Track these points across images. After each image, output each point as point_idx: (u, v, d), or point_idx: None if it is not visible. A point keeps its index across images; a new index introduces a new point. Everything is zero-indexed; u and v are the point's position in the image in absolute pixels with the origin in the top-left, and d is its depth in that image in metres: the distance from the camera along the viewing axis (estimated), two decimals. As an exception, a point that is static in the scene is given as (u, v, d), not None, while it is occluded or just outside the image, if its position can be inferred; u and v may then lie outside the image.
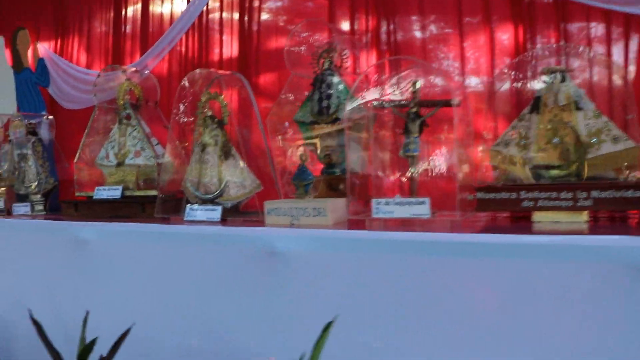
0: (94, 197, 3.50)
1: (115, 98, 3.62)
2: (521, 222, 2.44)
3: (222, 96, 2.97)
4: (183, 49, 4.10)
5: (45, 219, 3.72)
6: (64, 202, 3.76)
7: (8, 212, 4.09)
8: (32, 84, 4.88)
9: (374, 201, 2.36)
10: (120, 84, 3.59)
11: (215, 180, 2.94)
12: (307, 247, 2.06)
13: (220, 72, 3.52)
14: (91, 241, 2.77)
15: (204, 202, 2.95)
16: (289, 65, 2.97)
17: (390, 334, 1.88)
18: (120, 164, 3.57)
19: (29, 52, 4.99)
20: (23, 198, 4.06)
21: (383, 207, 2.35)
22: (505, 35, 3.03)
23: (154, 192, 3.37)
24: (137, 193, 3.42)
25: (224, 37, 3.89)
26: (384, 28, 3.29)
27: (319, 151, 3.02)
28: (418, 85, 2.46)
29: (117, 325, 2.49)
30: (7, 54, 5.11)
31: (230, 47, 3.87)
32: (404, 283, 1.91)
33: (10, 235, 3.28)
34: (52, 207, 4.03)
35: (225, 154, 2.96)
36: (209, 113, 2.99)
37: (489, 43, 3.04)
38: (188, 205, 2.94)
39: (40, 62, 4.83)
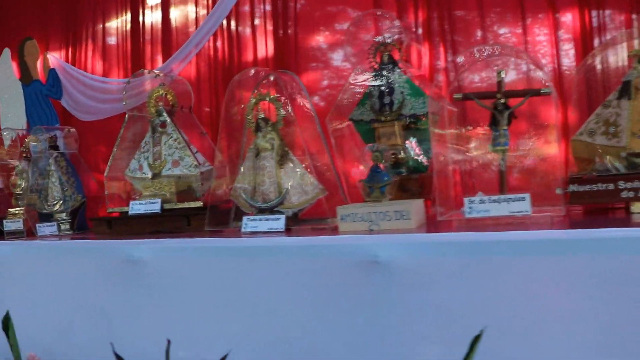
0: (130, 213, 3.28)
1: (146, 105, 3.41)
2: (617, 214, 2.33)
3: (276, 96, 2.79)
4: (211, 51, 3.90)
5: (73, 238, 3.50)
6: (94, 219, 3.53)
7: (29, 234, 3.85)
8: (42, 96, 4.64)
9: (466, 200, 2.20)
10: (152, 90, 3.38)
11: (273, 188, 2.76)
12: (414, 254, 1.88)
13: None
14: (147, 260, 2.55)
15: (260, 211, 2.76)
16: (348, 60, 2.80)
17: (526, 345, 1.71)
18: (156, 176, 3.35)
19: (38, 63, 4.75)
20: (46, 217, 3.82)
21: (477, 206, 2.19)
22: (570, 21, 2.90)
23: (197, 204, 3.16)
24: (179, 205, 3.19)
25: (257, 36, 3.70)
26: (435, 19, 3.14)
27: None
28: (503, 74, 2.31)
29: (191, 352, 2.30)
30: (14, 66, 4.87)
31: (265, 47, 3.68)
32: (532, 287, 1.75)
33: (45, 259, 3.04)
34: (78, 226, 3.79)
35: (283, 159, 2.78)
36: (262, 115, 2.81)
37: (553, 30, 2.90)
38: (245, 216, 2.74)
39: (51, 72, 4.59)
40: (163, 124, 3.34)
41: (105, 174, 3.48)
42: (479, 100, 2.35)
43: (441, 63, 3.13)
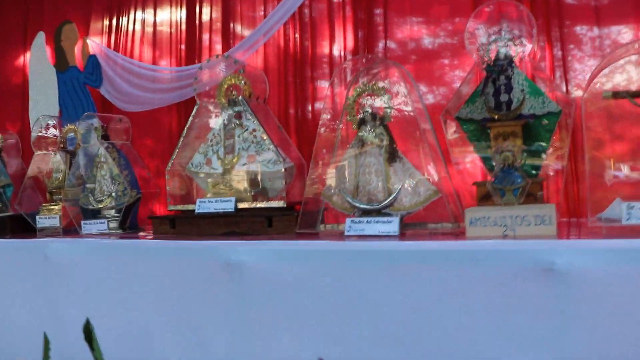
0: (197, 212, 3.07)
1: (216, 93, 3.22)
2: None
3: (384, 87, 2.63)
4: (281, 41, 3.71)
5: (122, 238, 3.27)
6: (154, 217, 3.32)
7: (65, 232, 3.61)
8: (79, 84, 4.41)
9: (624, 205, 2.07)
10: (224, 78, 3.19)
11: (381, 187, 2.58)
12: (603, 263, 1.72)
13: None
14: (247, 265, 2.34)
15: (365, 213, 2.58)
16: (471, 53, 2.65)
17: None
18: (227, 171, 3.15)
19: (76, 49, 4.51)
20: (91, 214, 3.57)
21: (638, 212, 2.06)
22: None
23: (279, 203, 2.96)
24: (259, 205, 2.99)
25: (335, 25, 3.52)
26: (541, 14, 3.01)
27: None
28: (661, 70, 2.19)
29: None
30: (49, 51, 4.62)
31: (343, 37, 3.51)
32: None
33: (114, 260, 2.81)
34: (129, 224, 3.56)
35: (392, 156, 2.62)
36: (369, 108, 2.64)
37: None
38: (348, 218, 2.56)
39: (91, 59, 4.37)
40: (238, 115, 3.14)
41: (167, 169, 3.27)
42: (634, 99, 2.22)
43: (546, 63, 3.01)
